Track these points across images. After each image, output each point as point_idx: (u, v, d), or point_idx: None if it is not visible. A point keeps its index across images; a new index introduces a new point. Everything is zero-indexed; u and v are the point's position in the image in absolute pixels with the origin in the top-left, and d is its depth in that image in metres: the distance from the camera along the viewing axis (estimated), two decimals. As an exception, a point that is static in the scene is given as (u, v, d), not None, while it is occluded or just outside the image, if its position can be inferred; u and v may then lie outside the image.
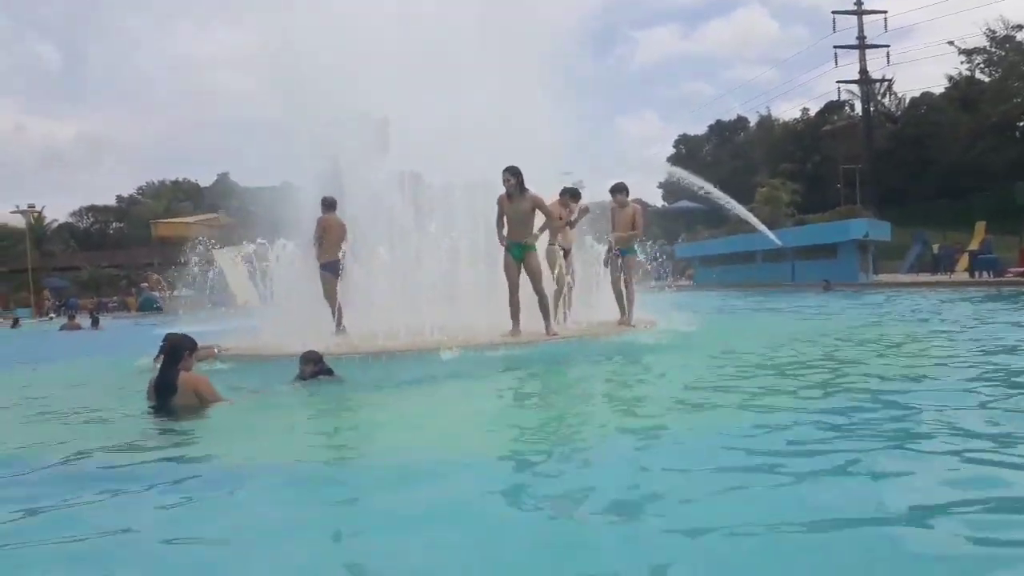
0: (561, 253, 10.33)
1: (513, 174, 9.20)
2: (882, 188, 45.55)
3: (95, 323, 26.17)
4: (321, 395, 6.42)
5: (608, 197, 10.95)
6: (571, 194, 10.98)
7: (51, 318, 38.93)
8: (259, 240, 10.92)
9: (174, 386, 5.57)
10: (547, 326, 9.25)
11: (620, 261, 10.47)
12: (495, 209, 9.45)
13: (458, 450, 4.27)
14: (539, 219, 9.47)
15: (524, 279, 9.30)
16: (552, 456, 3.95)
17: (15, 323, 32.11)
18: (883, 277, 28.08)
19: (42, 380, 9.20)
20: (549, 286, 9.78)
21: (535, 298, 9.29)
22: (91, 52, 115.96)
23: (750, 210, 26.49)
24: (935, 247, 31.38)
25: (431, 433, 4.86)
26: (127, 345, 12.02)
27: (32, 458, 4.44)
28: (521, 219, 9.29)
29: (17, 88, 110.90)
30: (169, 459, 4.28)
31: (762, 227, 21.57)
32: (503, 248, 9.37)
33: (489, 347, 8.62)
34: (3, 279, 55.35)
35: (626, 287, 10.51)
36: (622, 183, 10.80)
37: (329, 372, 6.74)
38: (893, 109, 56.32)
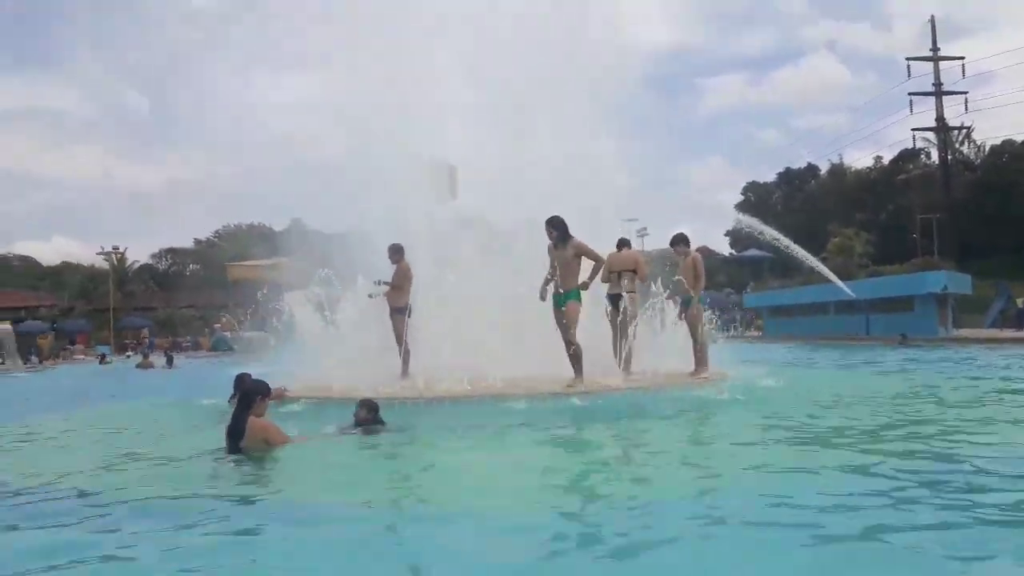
0: (627, 299, 10.20)
1: (554, 226, 9.28)
2: (961, 239, 43.94)
3: (170, 362, 27.03)
4: (381, 440, 6.41)
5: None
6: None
7: (128, 356, 40.36)
8: (325, 272, 11.15)
9: (243, 430, 5.69)
10: (575, 376, 9.10)
11: (682, 311, 10.40)
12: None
13: (498, 503, 4.26)
14: (587, 265, 9.43)
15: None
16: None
17: (102, 359, 33.43)
18: (964, 332, 26.88)
19: (122, 417, 9.48)
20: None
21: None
22: (174, 100, 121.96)
23: (822, 260, 25.89)
24: (1020, 301, 29.97)
25: (476, 483, 4.89)
26: (200, 385, 12.30)
27: (102, 493, 4.58)
28: (564, 267, 9.25)
29: (106, 134, 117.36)
30: (229, 499, 4.35)
31: (834, 278, 20.98)
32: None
33: (551, 396, 8.54)
34: (89, 318, 57.78)
35: (692, 338, 10.33)
36: (679, 234, 10.81)
37: (381, 422, 6.79)
38: (972, 157, 54.63)
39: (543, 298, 9.34)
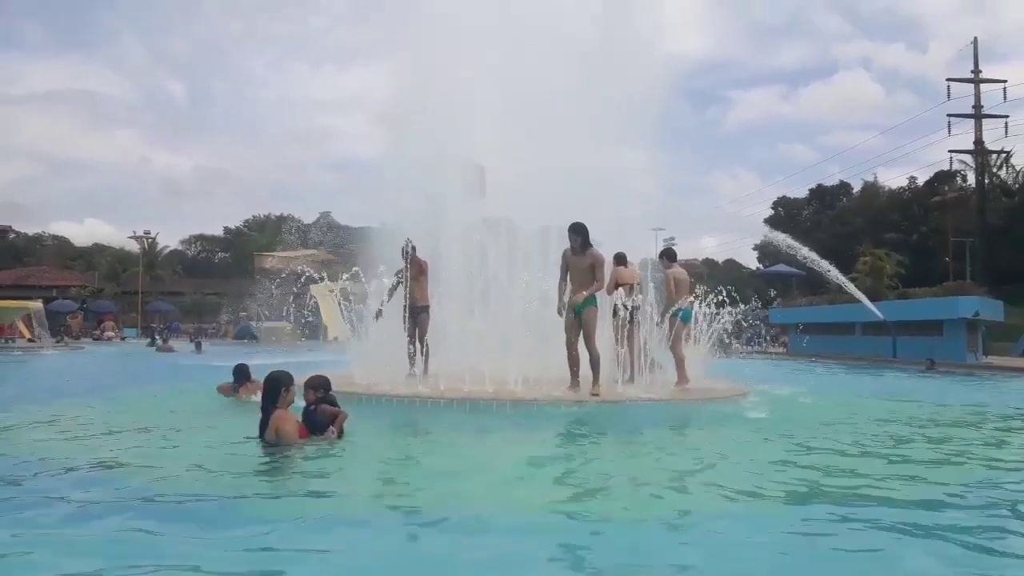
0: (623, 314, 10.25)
1: (577, 232, 9.32)
2: (996, 265, 43.13)
3: (198, 347, 27.33)
4: (393, 441, 6.39)
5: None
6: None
7: (156, 340, 40.87)
8: (353, 270, 11.18)
9: (267, 423, 5.67)
10: (594, 383, 9.14)
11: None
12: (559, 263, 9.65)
13: (508, 502, 4.34)
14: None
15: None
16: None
17: (152, 342, 33.04)
18: (993, 359, 26.37)
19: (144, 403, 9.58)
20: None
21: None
22: (214, 89, 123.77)
23: (851, 279, 25.51)
24: (1055, 331, 29.35)
25: (483, 484, 4.91)
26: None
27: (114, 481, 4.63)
28: (580, 275, 9.30)
29: (143, 120, 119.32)
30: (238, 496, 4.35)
31: (863, 298, 20.64)
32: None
33: (575, 403, 8.51)
34: (116, 300, 58.58)
35: (671, 351, 10.56)
36: (665, 249, 11.61)
37: (331, 402, 6.31)
38: (1010, 182, 53.62)
39: (561, 312, 9.38)
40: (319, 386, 6.24)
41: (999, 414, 9.30)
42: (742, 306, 12.14)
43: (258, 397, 6.24)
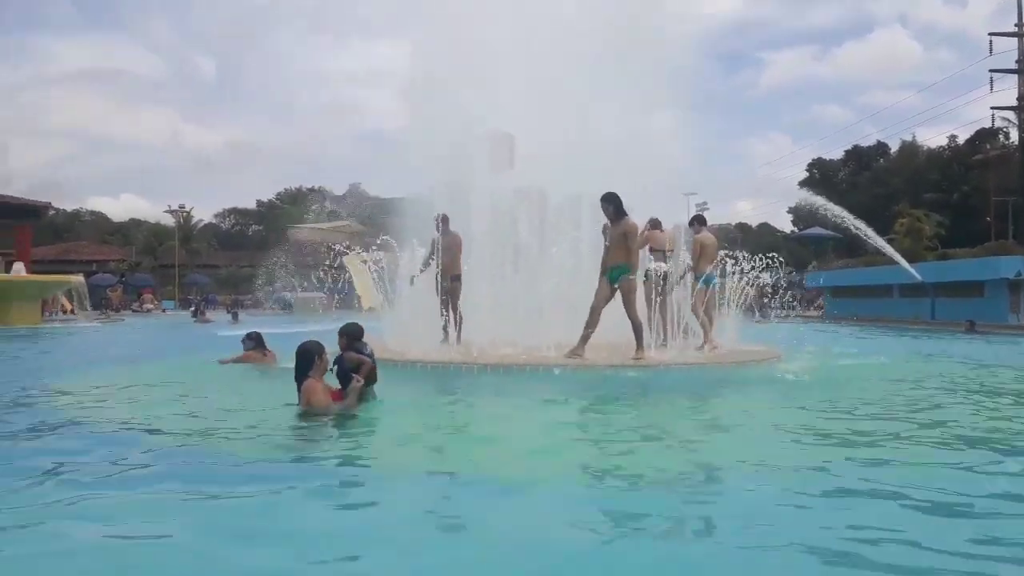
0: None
1: (609, 202, 9.40)
2: (1039, 224, 42.00)
3: (235, 317, 27.88)
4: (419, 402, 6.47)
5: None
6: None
7: (193, 311, 41.65)
8: (383, 238, 11.27)
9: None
10: (637, 348, 9.20)
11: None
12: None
13: (538, 465, 4.35)
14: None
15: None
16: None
17: (195, 314, 33.56)
18: (1036, 320, 25.80)
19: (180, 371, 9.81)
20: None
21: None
22: (243, 64, 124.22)
23: (888, 241, 25.02)
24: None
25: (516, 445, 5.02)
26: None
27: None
28: (616, 244, 9.37)
29: (175, 97, 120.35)
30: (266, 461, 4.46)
31: (901, 260, 20.23)
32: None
33: (609, 368, 8.55)
34: (154, 273, 59.65)
35: (694, 312, 10.63)
36: (695, 215, 11.65)
37: (360, 352, 6.16)
38: (1055, 139, 51.93)
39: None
40: (348, 333, 6.27)
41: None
42: (779, 271, 11.96)
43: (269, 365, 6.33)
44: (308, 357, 5.83)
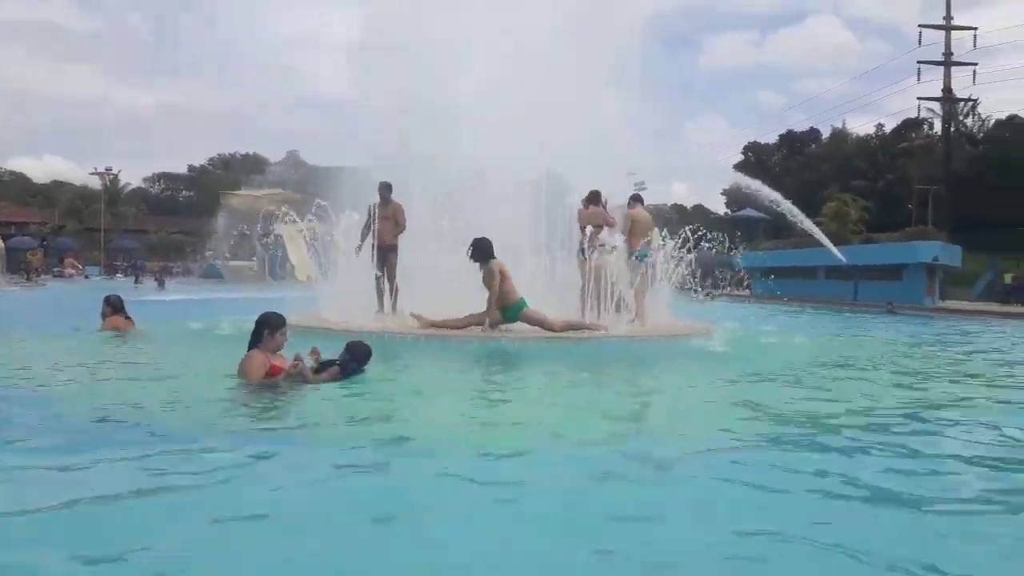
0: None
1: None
2: (958, 212, 43.90)
3: (161, 284, 27.14)
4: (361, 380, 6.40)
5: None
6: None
7: (118, 278, 40.33)
8: (319, 203, 11.11)
9: None
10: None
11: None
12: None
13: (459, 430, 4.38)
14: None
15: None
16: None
17: (137, 279, 32.17)
18: (949, 303, 27.12)
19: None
20: None
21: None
22: (178, 23, 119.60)
23: (816, 224, 25.81)
24: (1008, 277, 30.17)
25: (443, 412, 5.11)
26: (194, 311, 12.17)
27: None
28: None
29: (107, 54, 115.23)
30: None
31: (827, 242, 20.95)
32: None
33: (531, 340, 8.67)
34: (78, 237, 57.45)
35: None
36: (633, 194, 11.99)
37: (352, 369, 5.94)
38: (975, 131, 54.24)
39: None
40: (352, 350, 5.95)
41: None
42: (708, 244, 12.21)
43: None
44: (258, 330, 5.68)
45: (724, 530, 2.82)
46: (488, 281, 9.05)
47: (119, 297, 9.51)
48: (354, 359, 5.93)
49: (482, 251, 9.20)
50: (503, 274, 9.06)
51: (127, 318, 9.28)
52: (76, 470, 3.42)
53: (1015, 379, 7.75)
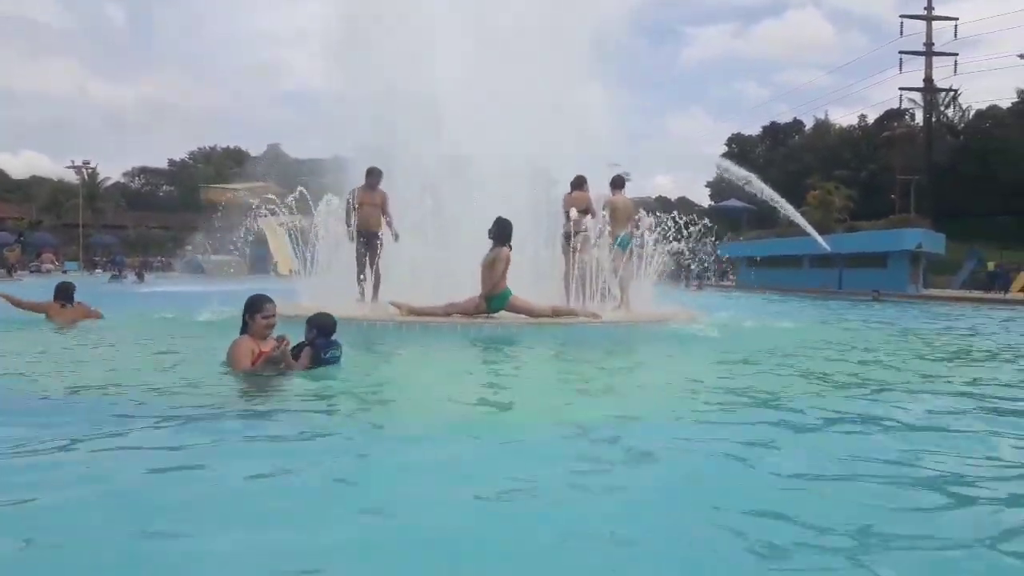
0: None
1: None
2: (940, 201, 44.22)
3: (140, 277, 26.84)
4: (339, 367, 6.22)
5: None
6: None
7: (97, 273, 39.85)
8: (299, 191, 10.97)
9: None
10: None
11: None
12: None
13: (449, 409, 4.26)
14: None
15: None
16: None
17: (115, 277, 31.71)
18: (933, 291, 27.27)
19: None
20: None
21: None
22: (157, 16, 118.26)
23: (801, 213, 25.85)
24: (990, 264, 30.40)
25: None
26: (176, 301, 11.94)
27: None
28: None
29: (85, 48, 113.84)
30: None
31: (812, 231, 20.96)
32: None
33: (518, 325, 8.54)
34: (57, 232, 56.77)
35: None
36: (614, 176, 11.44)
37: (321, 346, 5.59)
38: (956, 121, 54.64)
39: None
40: (318, 325, 5.64)
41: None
42: (690, 232, 12.05)
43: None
44: (244, 313, 5.46)
45: (704, 505, 2.70)
46: (495, 264, 8.94)
47: (71, 285, 9.27)
48: (320, 332, 5.62)
49: (503, 233, 9.12)
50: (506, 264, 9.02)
51: (64, 306, 8.97)
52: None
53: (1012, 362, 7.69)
